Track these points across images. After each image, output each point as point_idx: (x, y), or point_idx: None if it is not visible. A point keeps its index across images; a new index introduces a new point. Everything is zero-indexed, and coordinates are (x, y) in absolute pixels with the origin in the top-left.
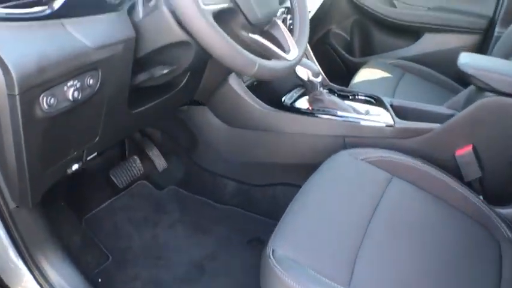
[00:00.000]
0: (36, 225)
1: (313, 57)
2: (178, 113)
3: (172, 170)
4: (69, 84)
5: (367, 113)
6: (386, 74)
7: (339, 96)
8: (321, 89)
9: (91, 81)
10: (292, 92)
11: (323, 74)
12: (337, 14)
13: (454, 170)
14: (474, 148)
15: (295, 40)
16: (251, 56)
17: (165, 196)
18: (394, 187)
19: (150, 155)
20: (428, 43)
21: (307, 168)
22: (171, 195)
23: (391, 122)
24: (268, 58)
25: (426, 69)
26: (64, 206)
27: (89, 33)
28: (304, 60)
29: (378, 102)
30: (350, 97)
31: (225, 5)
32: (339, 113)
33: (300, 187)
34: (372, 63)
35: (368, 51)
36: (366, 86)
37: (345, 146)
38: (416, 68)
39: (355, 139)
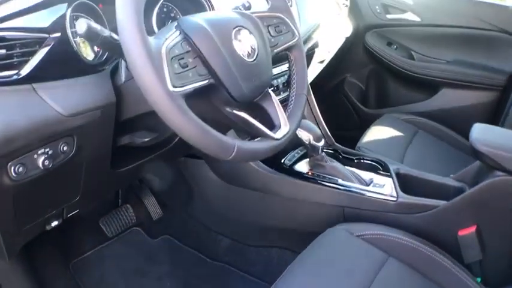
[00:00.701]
0: (13, 274)
1: (319, 114)
2: (174, 163)
3: (168, 219)
4: (39, 152)
5: (370, 182)
6: (398, 133)
7: (344, 159)
8: (323, 153)
9: (65, 148)
10: (293, 153)
11: (329, 134)
12: (353, 63)
13: (454, 249)
14: (478, 229)
15: (288, 113)
16: (227, 139)
17: (158, 245)
18: (389, 269)
19: (146, 203)
20: (445, 99)
21: (303, 235)
22: (163, 245)
23: (394, 196)
24: (255, 135)
25: (441, 127)
26: (51, 248)
27: (62, 98)
28: (306, 122)
29: (383, 168)
30: (355, 160)
31: (203, 82)
32: (340, 181)
33: (296, 252)
34: (385, 119)
35: (383, 103)
36: (376, 144)
37: (344, 216)
38: (430, 125)
39: (355, 210)
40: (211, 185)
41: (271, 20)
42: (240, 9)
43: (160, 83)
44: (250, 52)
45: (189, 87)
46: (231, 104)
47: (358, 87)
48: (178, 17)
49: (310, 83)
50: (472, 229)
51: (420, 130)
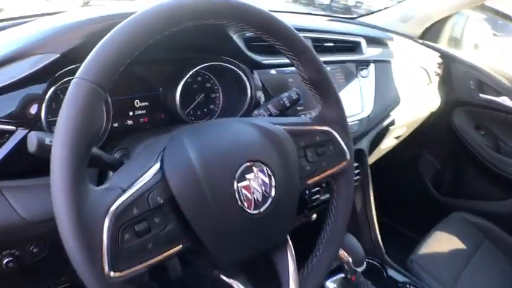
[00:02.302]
0: None
1: (374, 218)
2: None
3: (187, 283)
4: (4, 253)
5: None
6: (460, 244)
7: (388, 278)
8: (361, 278)
9: (35, 250)
10: None
11: (380, 244)
12: (433, 139)
13: None
14: None
15: (307, 270)
16: None
17: None
18: None
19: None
20: None
21: None
22: None
23: None
24: None
25: (510, 239)
26: None
27: (30, 202)
28: (349, 237)
29: None
30: (399, 284)
31: (171, 252)
32: None
33: None
34: (452, 220)
35: (457, 191)
36: (431, 259)
37: None
38: (499, 236)
39: None
40: None
41: (312, 138)
42: (283, 103)
43: (90, 268)
44: (259, 201)
45: (142, 267)
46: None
47: (433, 167)
48: (216, 88)
49: (380, 158)
50: None
51: (486, 240)
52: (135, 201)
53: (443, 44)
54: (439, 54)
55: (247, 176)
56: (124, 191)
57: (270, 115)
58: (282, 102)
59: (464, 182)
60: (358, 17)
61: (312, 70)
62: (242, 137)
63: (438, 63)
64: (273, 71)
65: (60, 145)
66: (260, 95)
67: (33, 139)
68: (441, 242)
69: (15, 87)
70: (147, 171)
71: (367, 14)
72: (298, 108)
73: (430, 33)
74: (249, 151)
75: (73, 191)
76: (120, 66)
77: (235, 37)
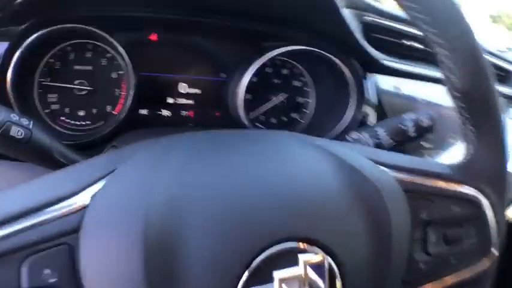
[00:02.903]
0: None
1: None
2: None
3: None
4: None
5: None
6: None
7: None
8: None
9: None
10: None
11: None
12: None
13: None
14: None
15: None
16: None
17: None
18: None
19: None
20: None
21: None
22: None
23: None
24: None
25: None
26: None
27: None
28: None
29: None
30: None
31: None
32: None
33: None
34: None
35: None
36: None
37: None
38: None
39: None
40: None
41: (445, 207)
42: (405, 130)
43: None
44: None
45: None
46: None
47: None
48: (308, 91)
49: None
50: None
51: None
52: None
53: None
54: None
55: (278, 274)
56: None
57: (378, 146)
58: (403, 128)
59: None
60: None
61: (472, 75)
62: (300, 182)
63: None
64: (395, 80)
65: None
66: (369, 111)
67: None
68: None
69: None
70: (53, 203)
71: None
72: (423, 143)
73: None
74: (302, 217)
75: None
76: None
77: (348, 17)
